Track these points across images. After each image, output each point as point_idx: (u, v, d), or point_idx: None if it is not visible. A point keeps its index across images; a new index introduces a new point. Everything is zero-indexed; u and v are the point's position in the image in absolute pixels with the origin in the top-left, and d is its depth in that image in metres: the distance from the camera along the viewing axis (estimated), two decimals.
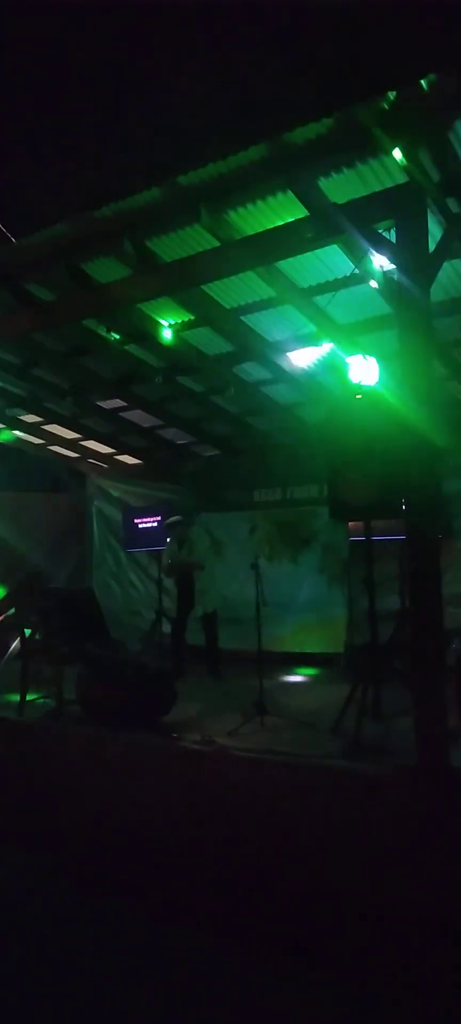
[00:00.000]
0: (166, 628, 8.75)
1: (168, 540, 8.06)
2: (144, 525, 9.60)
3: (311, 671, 7.74)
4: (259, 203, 4.78)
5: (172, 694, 5.64)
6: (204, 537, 7.82)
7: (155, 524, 9.39)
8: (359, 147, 4.25)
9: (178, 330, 6.49)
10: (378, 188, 4.45)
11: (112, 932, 4.27)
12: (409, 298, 4.12)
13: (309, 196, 4.56)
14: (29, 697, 6.21)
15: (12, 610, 7.63)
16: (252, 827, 4.40)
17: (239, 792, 4.52)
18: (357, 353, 5.62)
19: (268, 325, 6.44)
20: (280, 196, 4.68)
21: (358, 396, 5.19)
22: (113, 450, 10.28)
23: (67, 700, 5.93)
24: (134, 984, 3.76)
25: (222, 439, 9.41)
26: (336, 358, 6.37)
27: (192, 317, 6.32)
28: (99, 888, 4.73)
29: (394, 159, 4.27)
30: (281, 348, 6.76)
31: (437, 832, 3.79)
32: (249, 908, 4.22)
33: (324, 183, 4.55)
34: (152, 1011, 3.55)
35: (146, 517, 9.67)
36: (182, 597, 7.78)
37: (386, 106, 3.92)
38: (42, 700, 6.23)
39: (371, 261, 4.82)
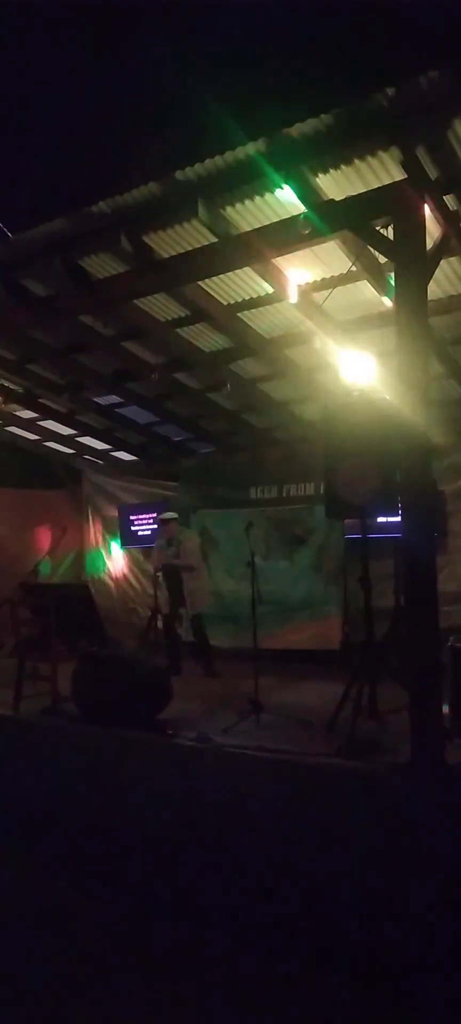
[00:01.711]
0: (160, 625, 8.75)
1: (158, 537, 8.00)
2: (140, 522, 9.59)
3: (306, 669, 7.73)
4: (257, 199, 4.77)
5: (167, 692, 5.63)
6: (194, 538, 7.70)
7: (151, 521, 9.39)
8: (357, 144, 4.25)
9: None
10: (376, 185, 4.44)
11: (107, 931, 4.27)
12: (406, 296, 4.12)
13: (307, 192, 4.55)
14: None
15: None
16: (248, 825, 4.40)
17: (234, 790, 4.52)
18: (354, 351, 5.62)
19: (265, 321, 6.43)
20: (277, 192, 4.67)
21: (355, 394, 5.19)
22: (109, 446, 10.26)
23: (62, 697, 5.91)
24: (132, 983, 3.76)
25: (218, 436, 9.40)
26: (333, 356, 6.37)
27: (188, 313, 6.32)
28: (94, 886, 4.73)
29: (392, 156, 4.27)
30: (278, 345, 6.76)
31: (432, 828, 3.79)
32: (245, 906, 4.22)
33: (322, 179, 4.54)
34: (149, 1011, 3.55)
35: (142, 514, 9.66)
36: (173, 595, 7.70)
37: (385, 103, 3.92)
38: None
39: (369, 259, 4.82)
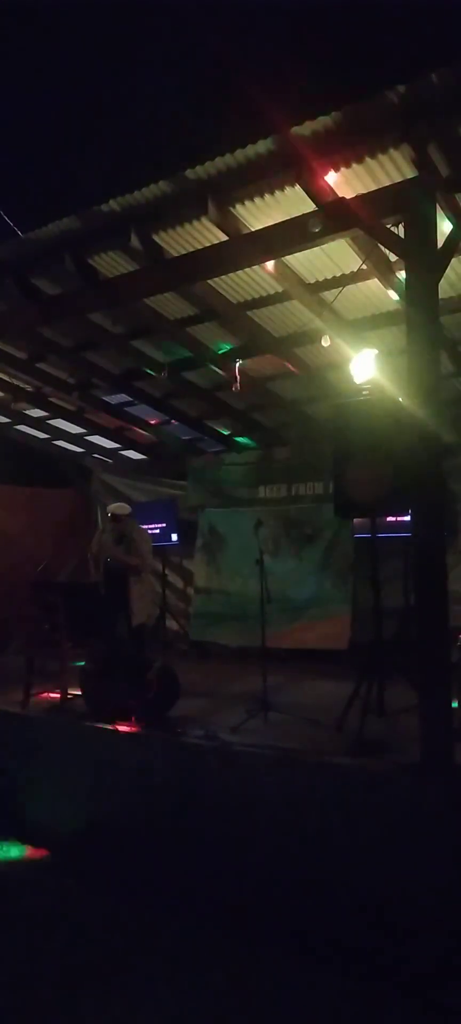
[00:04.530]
0: (169, 623, 8.76)
1: (104, 528, 7.04)
2: (149, 521, 9.57)
3: (315, 667, 7.72)
4: (267, 197, 4.77)
5: (176, 690, 5.64)
6: (148, 538, 6.85)
7: (161, 520, 9.40)
8: (368, 141, 4.23)
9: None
10: (387, 183, 4.43)
11: (114, 927, 4.28)
12: (417, 294, 4.11)
13: (317, 190, 4.54)
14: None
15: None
16: (255, 823, 4.40)
17: (242, 788, 4.52)
18: (364, 349, 5.60)
19: (275, 320, 6.42)
20: (288, 190, 4.66)
21: (364, 392, 5.18)
22: (118, 445, 10.28)
23: (71, 695, 5.94)
24: (137, 977, 3.77)
25: (227, 435, 9.39)
26: (342, 354, 6.35)
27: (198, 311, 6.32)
28: (100, 883, 4.75)
29: (403, 154, 4.26)
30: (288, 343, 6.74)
31: (440, 828, 3.78)
32: (252, 903, 4.22)
33: (332, 177, 4.53)
34: (155, 1005, 3.56)
35: (151, 512, 9.64)
36: (113, 597, 6.53)
37: (395, 100, 3.91)
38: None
39: (380, 257, 4.79)
